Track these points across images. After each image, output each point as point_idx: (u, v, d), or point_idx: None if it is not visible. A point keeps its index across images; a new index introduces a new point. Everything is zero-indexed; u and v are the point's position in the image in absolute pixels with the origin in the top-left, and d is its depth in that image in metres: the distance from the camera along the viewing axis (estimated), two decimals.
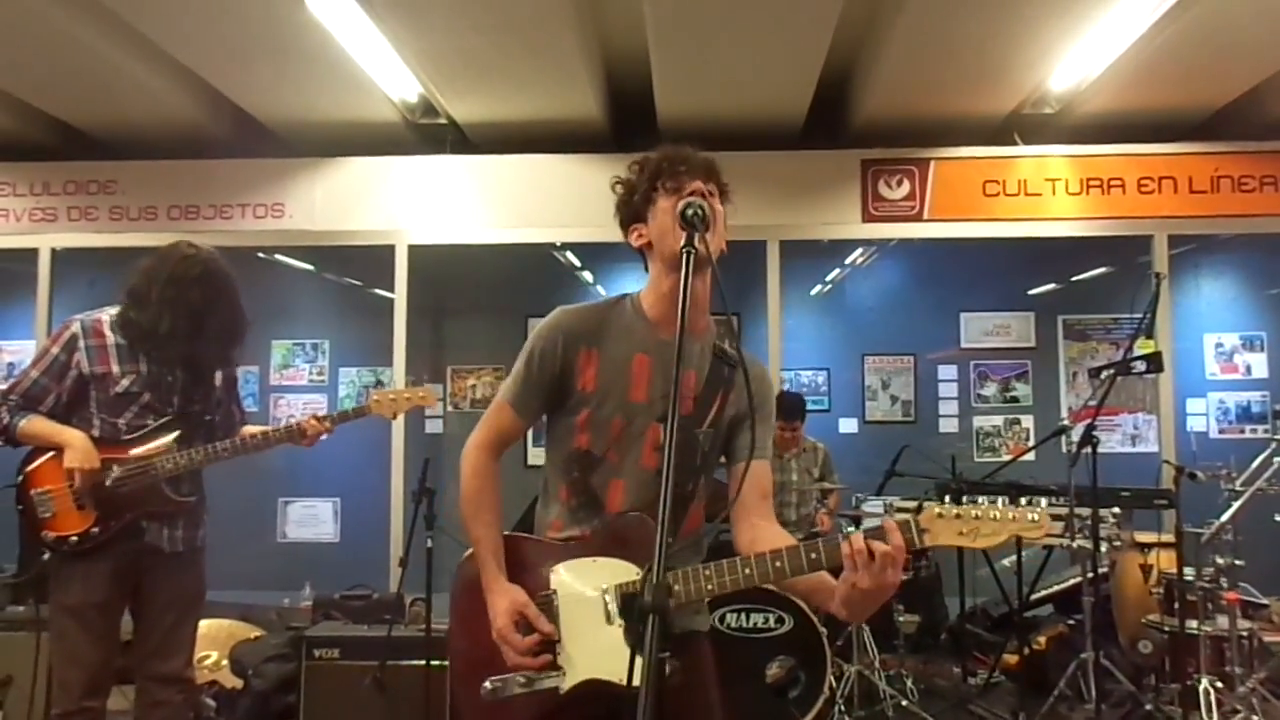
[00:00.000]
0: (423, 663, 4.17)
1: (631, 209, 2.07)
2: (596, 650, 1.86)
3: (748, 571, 1.79)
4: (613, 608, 1.89)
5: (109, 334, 3.07)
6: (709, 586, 1.82)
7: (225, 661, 5.01)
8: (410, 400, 3.42)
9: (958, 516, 1.71)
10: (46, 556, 3.03)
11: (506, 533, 2.09)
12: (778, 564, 1.76)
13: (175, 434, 3.09)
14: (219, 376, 3.26)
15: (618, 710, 1.82)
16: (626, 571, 1.90)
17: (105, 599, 3.00)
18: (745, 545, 2.03)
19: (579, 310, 2.12)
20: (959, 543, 1.71)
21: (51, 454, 3.02)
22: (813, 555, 1.74)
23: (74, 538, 2.99)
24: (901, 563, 1.69)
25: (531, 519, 2.17)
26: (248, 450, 3.20)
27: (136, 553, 3.04)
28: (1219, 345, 7.12)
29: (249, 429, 3.40)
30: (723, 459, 2.14)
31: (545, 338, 2.08)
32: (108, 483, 3.00)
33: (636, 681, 1.43)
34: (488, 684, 1.92)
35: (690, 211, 1.85)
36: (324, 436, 3.35)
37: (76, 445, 2.98)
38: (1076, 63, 5.49)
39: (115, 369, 3.05)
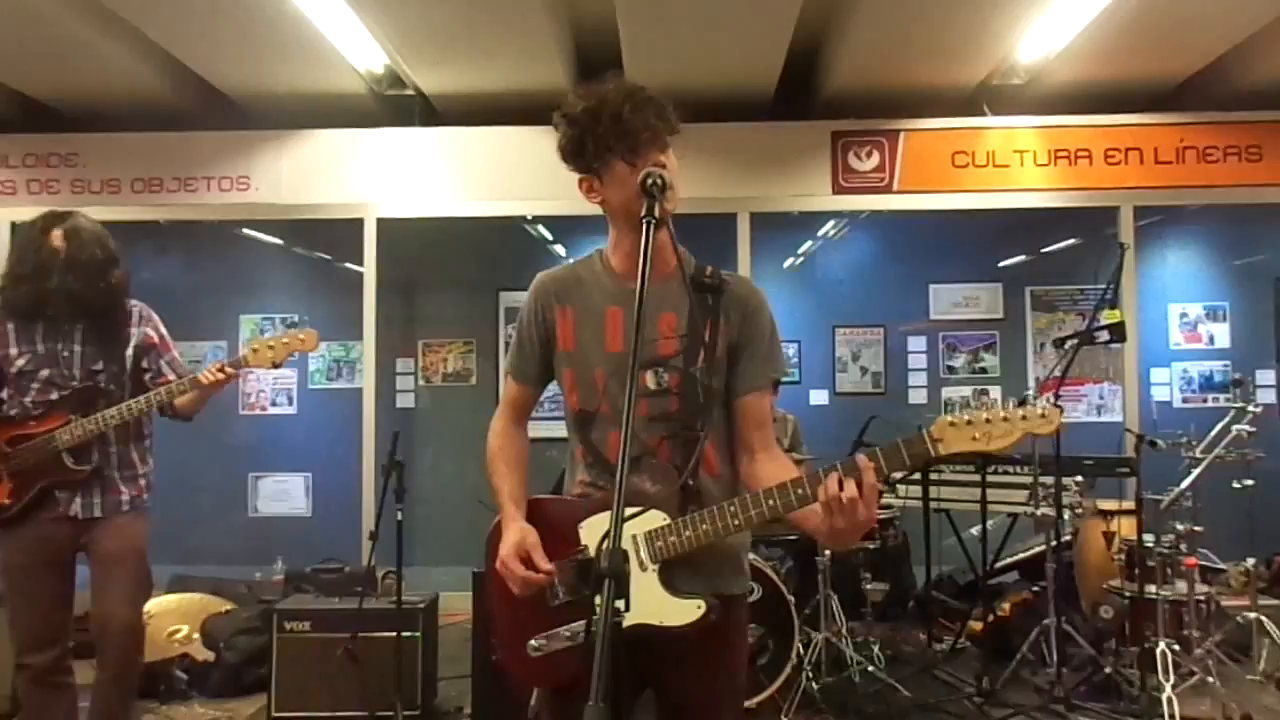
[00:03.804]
0: (394, 635, 4.18)
1: (583, 160, 2.00)
2: (634, 596, 1.83)
3: (748, 514, 1.88)
4: (644, 554, 1.91)
5: (8, 318, 3.26)
6: (704, 527, 1.89)
7: (196, 635, 5.01)
8: (288, 345, 3.36)
9: (969, 423, 1.79)
10: None
11: (533, 496, 2.12)
12: (770, 502, 1.86)
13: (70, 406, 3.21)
14: (131, 344, 3.35)
15: (663, 652, 1.93)
16: (653, 519, 1.91)
17: (29, 563, 3.22)
18: (745, 479, 2.07)
19: (553, 272, 2.18)
20: (973, 447, 1.79)
21: None
22: (799, 491, 1.85)
23: None
24: (874, 501, 1.78)
25: (560, 489, 2.21)
26: (139, 411, 3.23)
27: (55, 521, 3.22)
28: (1183, 315, 7.20)
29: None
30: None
31: (527, 305, 2.16)
32: None
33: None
34: (533, 642, 1.98)
35: (650, 181, 1.86)
36: (227, 382, 3.32)
37: None
38: (1044, 33, 5.51)
39: (12, 350, 3.25)
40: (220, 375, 3.27)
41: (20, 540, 3.22)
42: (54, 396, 3.22)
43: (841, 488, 1.77)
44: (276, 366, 3.40)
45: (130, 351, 3.35)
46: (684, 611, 1.90)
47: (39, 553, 3.22)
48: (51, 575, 3.25)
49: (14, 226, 6.58)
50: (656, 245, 1.92)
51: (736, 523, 1.88)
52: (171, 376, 3.40)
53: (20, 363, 3.23)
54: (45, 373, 3.23)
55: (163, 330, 3.48)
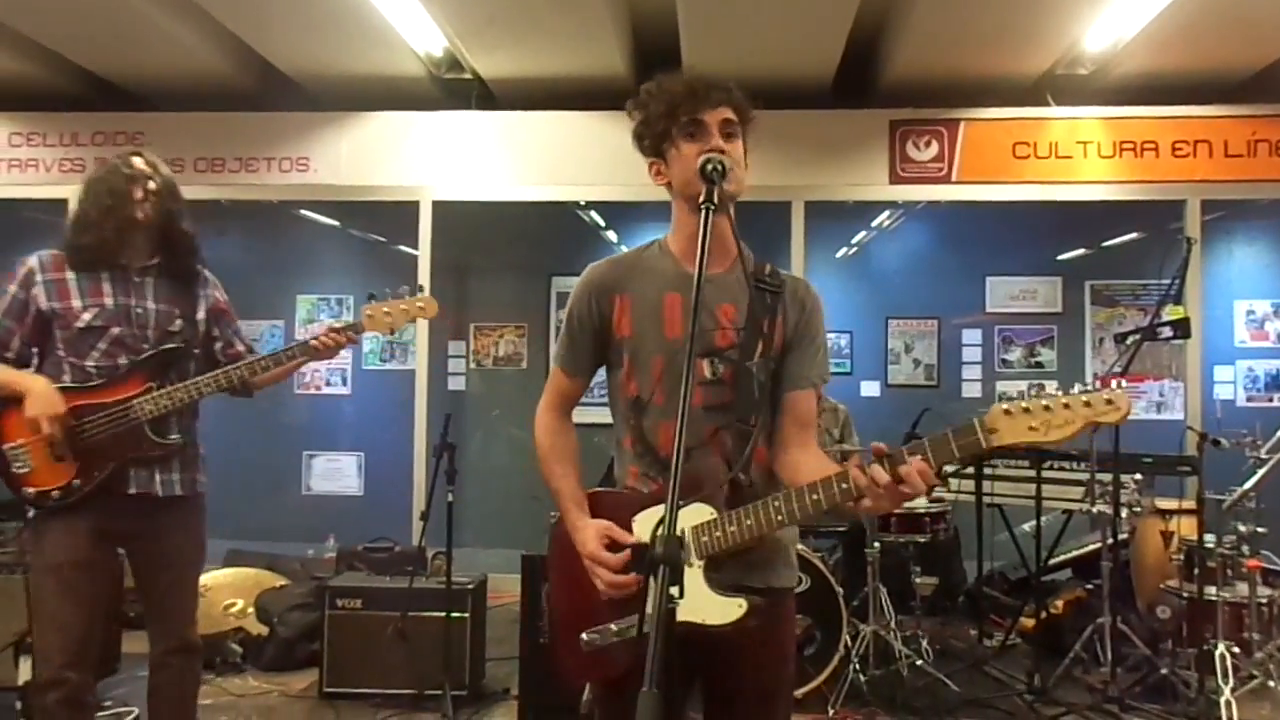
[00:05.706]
0: (443, 614, 4.25)
1: (651, 142, 2.05)
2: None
3: (792, 509, 1.86)
4: (690, 549, 1.90)
5: (69, 268, 2.83)
6: (748, 522, 1.88)
7: (251, 609, 5.11)
8: (407, 311, 2.99)
9: (1026, 410, 1.70)
10: (31, 514, 2.82)
11: (589, 489, 2.12)
12: (814, 497, 1.84)
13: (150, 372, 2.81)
14: (202, 307, 2.99)
15: (711, 646, 1.91)
16: (700, 513, 1.91)
17: (87, 557, 2.74)
18: (787, 478, 2.04)
19: (605, 262, 2.15)
20: (1030, 439, 1.70)
21: (17, 404, 2.73)
22: (843, 486, 1.81)
23: (55, 492, 2.73)
24: (920, 485, 1.73)
25: (612, 479, 2.20)
26: (237, 380, 2.87)
27: (123, 505, 2.78)
28: (1250, 312, 7.00)
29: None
30: None
31: (578, 297, 2.12)
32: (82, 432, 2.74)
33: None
34: (585, 636, 1.97)
35: (710, 167, 1.88)
36: (343, 347, 3.00)
37: (36, 391, 2.71)
38: (1112, 22, 5.38)
39: (76, 303, 2.79)
40: (339, 339, 2.94)
41: (77, 533, 2.72)
42: (123, 360, 2.78)
43: (878, 477, 1.75)
44: (393, 333, 3.13)
45: (202, 315, 2.98)
46: (725, 610, 1.88)
47: (101, 546, 2.78)
48: (104, 571, 2.83)
49: None
50: (717, 234, 1.93)
51: (780, 518, 1.87)
52: (241, 347, 3.07)
53: (86, 317, 2.77)
54: (116, 331, 2.79)
55: (226, 297, 3.13)
